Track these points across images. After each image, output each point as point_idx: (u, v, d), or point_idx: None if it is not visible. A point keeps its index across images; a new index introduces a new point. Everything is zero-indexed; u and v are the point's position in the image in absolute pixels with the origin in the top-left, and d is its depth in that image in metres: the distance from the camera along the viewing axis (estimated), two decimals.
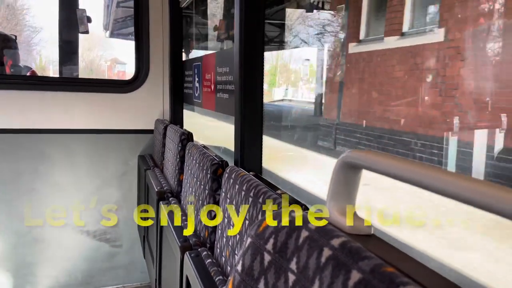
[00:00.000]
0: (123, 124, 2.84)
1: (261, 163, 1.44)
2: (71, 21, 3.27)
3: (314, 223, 0.61)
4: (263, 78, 1.42)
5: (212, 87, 1.94)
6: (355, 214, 0.64)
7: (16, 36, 3.73)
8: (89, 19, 3.41)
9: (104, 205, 2.82)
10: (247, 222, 1.09)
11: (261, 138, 1.44)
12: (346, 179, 0.65)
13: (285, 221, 0.65)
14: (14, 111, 2.61)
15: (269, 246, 0.65)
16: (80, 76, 3.76)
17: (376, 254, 0.52)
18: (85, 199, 2.77)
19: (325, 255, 0.54)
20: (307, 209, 0.92)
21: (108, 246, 2.86)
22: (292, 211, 0.67)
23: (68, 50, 3.29)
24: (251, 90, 1.41)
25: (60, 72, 3.38)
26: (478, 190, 0.43)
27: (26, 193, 2.66)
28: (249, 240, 0.70)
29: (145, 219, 2.43)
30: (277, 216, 0.68)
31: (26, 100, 2.63)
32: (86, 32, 3.35)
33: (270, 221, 0.68)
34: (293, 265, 0.59)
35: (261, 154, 1.43)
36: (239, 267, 0.70)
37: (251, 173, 1.29)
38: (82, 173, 2.77)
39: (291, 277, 0.59)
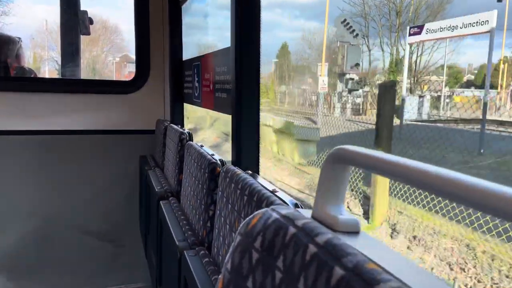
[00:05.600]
0: (124, 124, 2.85)
1: (258, 161, 1.44)
2: (72, 23, 3.29)
3: (301, 220, 0.61)
4: (259, 77, 1.42)
5: (211, 86, 1.94)
6: (343, 211, 0.64)
7: (20, 38, 3.76)
8: (91, 21, 3.43)
9: (106, 205, 2.83)
10: (242, 220, 1.09)
11: (258, 137, 1.43)
12: (334, 176, 0.65)
13: (272, 219, 0.65)
14: (17, 113, 2.63)
15: (257, 244, 0.65)
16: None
17: (362, 251, 0.52)
18: (87, 200, 2.78)
19: (310, 253, 0.54)
20: (299, 206, 0.92)
21: (110, 246, 2.87)
22: (280, 209, 0.67)
23: (70, 52, 3.31)
24: (248, 89, 1.41)
25: (63, 74, 3.40)
26: (468, 188, 0.42)
27: (28, 194, 2.68)
28: (238, 238, 0.70)
29: (147, 219, 2.43)
30: (265, 214, 0.67)
31: (28, 102, 2.65)
32: (88, 33, 3.37)
33: (259, 219, 0.68)
34: (280, 263, 0.59)
35: (258, 152, 1.43)
36: (228, 265, 0.70)
37: (248, 172, 1.28)
38: (84, 173, 2.78)
39: (278, 275, 0.59)
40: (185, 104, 2.68)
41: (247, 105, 1.41)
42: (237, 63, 1.40)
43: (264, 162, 11.35)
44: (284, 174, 10.51)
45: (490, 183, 0.41)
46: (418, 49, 31.09)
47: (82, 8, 3.32)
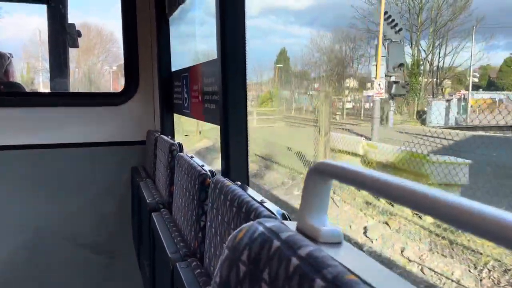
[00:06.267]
0: (116, 136, 2.85)
1: (248, 172, 1.46)
2: (60, 36, 3.29)
3: (285, 233, 0.63)
4: (246, 88, 1.44)
5: (200, 97, 1.95)
6: (325, 223, 0.66)
7: (11, 54, 3.74)
8: (79, 34, 3.44)
9: (99, 217, 2.82)
10: (232, 231, 1.10)
11: (247, 148, 1.45)
12: (316, 189, 0.67)
13: (258, 233, 0.66)
14: (6, 128, 2.63)
15: (244, 257, 0.66)
16: (77, 90, 3.77)
17: (344, 262, 0.54)
18: (79, 212, 2.78)
19: (293, 265, 0.55)
20: (287, 217, 0.94)
21: (103, 257, 2.86)
22: (266, 222, 0.69)
23: (59, 65, 3.31)
24: (235, 100, 1.43)
25: (52, 87, 3.40)
26: (448, 205, 0.44)
27: (20, 207, 2.67)
28: (226, 251, 0.72)
29: (139, 231, 2.43)
30: (251, 227, 0.69)
31: (17, 117, 2.65)
32: (76, 46, 3.38)
33: (246, 233, 0.69)
34: (265, 275, 0.61)
35: (247, 163, 1.45)
36: (217, 279, 0.72)
37: (237, 183, 1.30)
38: (76, 186, 2.78)
39: (264, 287, 0.60)
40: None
41: (234, 115, 1.43)
42: (223, 74, 1.42)
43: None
44: None
45: (469, 201, 0.42)
46: (440, 50, 30.60)
47: (77, 20, 3.33)
